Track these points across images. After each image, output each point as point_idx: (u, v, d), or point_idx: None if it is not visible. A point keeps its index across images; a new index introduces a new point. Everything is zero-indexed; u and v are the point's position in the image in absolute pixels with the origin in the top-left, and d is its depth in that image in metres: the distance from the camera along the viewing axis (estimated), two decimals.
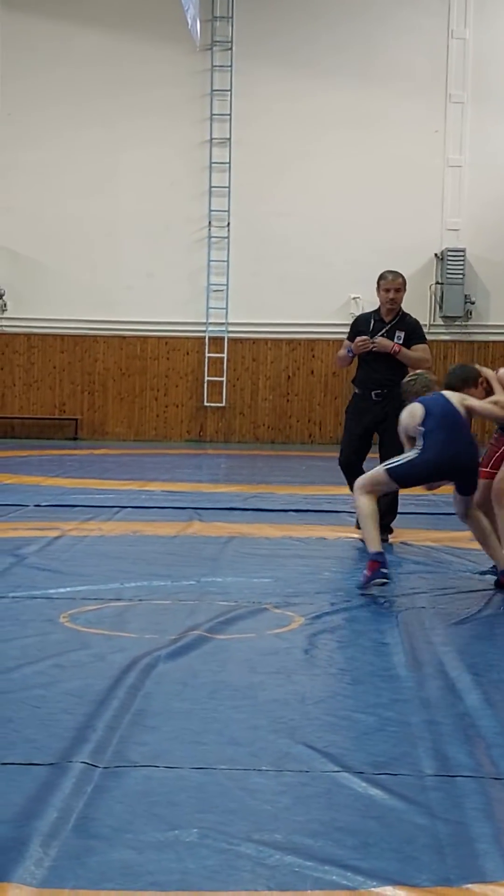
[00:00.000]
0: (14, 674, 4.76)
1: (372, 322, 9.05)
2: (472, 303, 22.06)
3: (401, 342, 8.87)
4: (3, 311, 23.08)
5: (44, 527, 9.30)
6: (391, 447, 8.01)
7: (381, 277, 9.07)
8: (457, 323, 22.11)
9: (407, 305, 9.19)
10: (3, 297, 23.01)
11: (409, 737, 4.03)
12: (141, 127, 22.65)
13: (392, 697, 4.57)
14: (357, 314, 9.66)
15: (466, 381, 7.41)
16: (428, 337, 9.35)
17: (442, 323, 22.06)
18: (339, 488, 8.61)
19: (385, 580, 6.86)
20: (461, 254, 21.94)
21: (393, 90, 22.30)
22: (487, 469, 7.52)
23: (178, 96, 22.67)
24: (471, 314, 22.16)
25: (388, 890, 2.80)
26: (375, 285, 9.12)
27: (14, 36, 22.77)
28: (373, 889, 2.81)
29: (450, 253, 21.93)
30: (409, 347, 8.88)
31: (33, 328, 23.12)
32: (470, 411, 7.17)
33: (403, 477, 7.11)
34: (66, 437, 23.23)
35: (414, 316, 9.23)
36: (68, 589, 6.64)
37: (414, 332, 9.02)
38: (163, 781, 3.51)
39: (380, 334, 8.87)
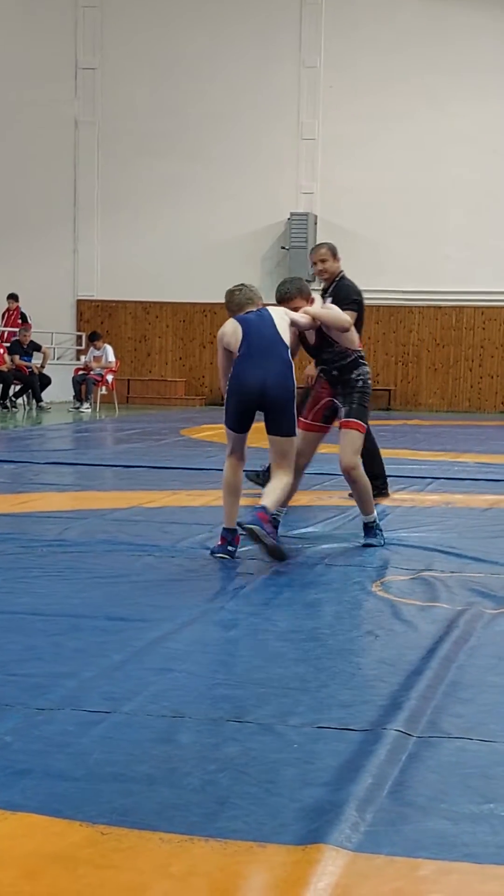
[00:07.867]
0: (329, 640, 4.83)
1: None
2: None
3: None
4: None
5: None
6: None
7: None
8: None
9: None
10: None
11: None
12: (464, 98, 22.42)
13: None
14: None
15: (301, 290, 6.84)
16: None
17: None
18: None
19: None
20: None
21: None
22: (307, 420, 6.97)
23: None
24: None
25: None
26: None
27: (339, 12, 22.96)
28: None
29: None
30: None
31: None
32: (295, 326, 6.60)
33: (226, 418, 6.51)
34: (380, 407, 23.33)
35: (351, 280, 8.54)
36: (380, 558, 6.68)
37: (337, 298, 8.13)
38: (477, 754, 3.49)
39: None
